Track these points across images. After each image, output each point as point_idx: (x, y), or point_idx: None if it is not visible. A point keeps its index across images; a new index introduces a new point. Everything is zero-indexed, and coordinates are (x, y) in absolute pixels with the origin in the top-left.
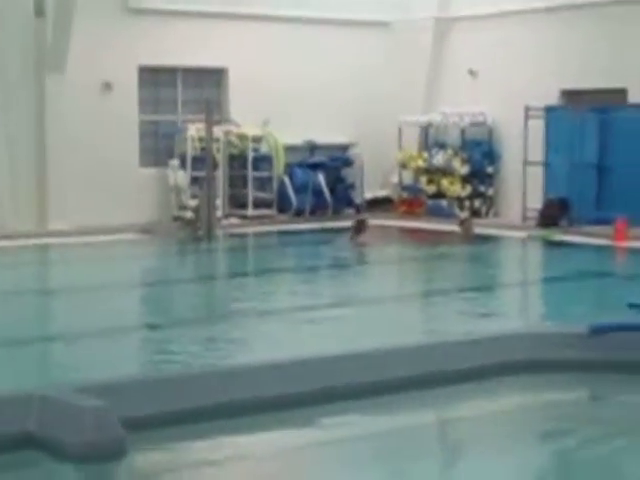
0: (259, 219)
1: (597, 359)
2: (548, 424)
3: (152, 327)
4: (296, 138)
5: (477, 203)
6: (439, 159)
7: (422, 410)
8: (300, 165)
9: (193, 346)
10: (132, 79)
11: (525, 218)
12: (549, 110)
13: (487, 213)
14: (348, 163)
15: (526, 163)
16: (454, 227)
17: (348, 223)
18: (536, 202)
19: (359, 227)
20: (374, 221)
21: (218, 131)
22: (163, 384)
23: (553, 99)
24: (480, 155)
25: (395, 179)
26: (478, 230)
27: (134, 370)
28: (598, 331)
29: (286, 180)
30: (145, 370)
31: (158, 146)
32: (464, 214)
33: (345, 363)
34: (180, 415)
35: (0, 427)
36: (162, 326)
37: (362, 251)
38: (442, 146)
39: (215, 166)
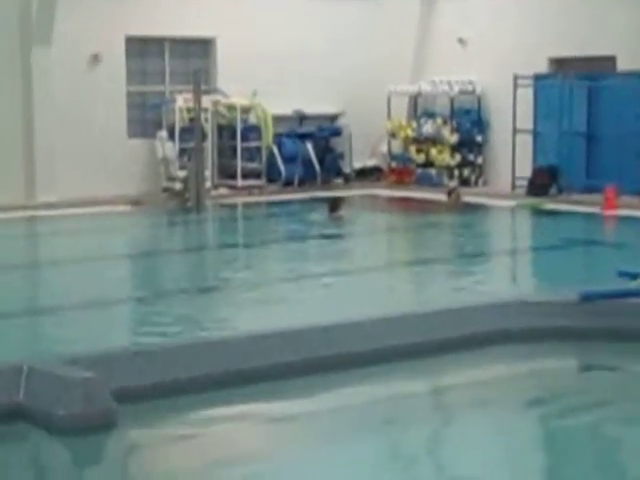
0: (248, 189)
1: (587, 327)
2: (536, 392)
3: (141, 299)
4: (285, 108)
5: (466, 172)
6: (428, 128)
7: (413, 379)
8: (289, 135)
9: (181, 318)
10: (119, 50)
11: (514, 186)
12: (538, 78)
13: (476, 182)
14: (337, 133)
15: (515, 132)
16: (442, 196)
17: (337, 193)
18: (525, 171)
19: (334, 207)
20: (363, 191)
21: (206, 102)
22: (153, 355)
23: (542, 67)
24: (469, 124)
25: (384, 149)
26: (467, 199)
27: (123, 342)
28: (588, 298)
29: (275, 150)
30: (134, 342)
31: (146, 117)
32: (452, 183)
33: (335, 333)
34: (171, 386)
35: None
36: (151, 298)
37: (345, 223)
38: (431, 115)
39: (204, 137)
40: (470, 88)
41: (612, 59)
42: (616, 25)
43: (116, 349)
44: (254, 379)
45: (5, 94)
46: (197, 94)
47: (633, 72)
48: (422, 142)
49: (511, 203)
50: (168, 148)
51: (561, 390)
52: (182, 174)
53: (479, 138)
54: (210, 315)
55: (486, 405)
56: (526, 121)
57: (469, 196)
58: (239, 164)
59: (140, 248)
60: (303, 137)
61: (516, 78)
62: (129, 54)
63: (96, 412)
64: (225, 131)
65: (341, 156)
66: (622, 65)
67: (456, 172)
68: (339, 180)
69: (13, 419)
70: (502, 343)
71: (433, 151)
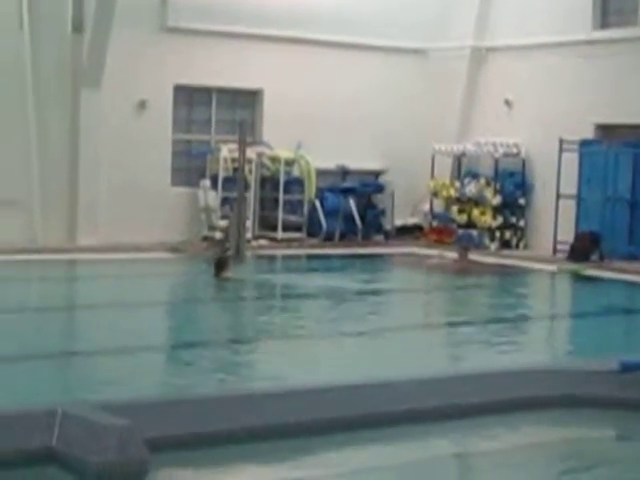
0: (288, 242)
1: (627, 397)
2: (570, 460)
3: (177, 347)
4: (328, 163)
5: (508, 234)
6: (471, 189)
7: (445, 442)
8: (331, 190)
9: (217, 368)
10: (167, 98)
11: (556, 251)
12: (583, 144)
13: (517, 245)
14: (379, 189)
15: (559, 196)
16: (481, 257)
17: (378, 250)
18: (567, 235)
19: (220, 265)
20: (403, 249)
21: (251, 153)
22: (187, 405)
23: (588, 133)
24: (513, 186)
25: (426, 207)
26: (509, 262)
27: (158, 390)
28: (629, 368)
29: (317, 204)
30: (169, 391)
31: (190, 166)
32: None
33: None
34: (204, 438)
35: (22, 442)
36: (186, 346)
37: (233, 284)
38: (475, 176)
39: (246, 188)
40: (515, 151)
41: None
42: None
43: (150, 397)
44: (283, 434)
45: (52, 134)
46: (242, 145)
47: None
48: (464, 202)
49: (552, 268)
50: (211, 197)
51: (595, 460)
52: (223, 223)
53: (522, 201)
54: (244, 367)
55: (517, 471)
56: (570, 186)
57: (510, 259)
58: (280, 216)
59: (176, 296)
60: (346, 192)
61: (561, 142)
62: (176, 102)
63: (129, 460)
64: (268, 183)
65: (383, 213)
66: None
67: (497, 234)
68: (379, 237)
69: (45, 463)
70: (542, 410)
71: (475, 212)
